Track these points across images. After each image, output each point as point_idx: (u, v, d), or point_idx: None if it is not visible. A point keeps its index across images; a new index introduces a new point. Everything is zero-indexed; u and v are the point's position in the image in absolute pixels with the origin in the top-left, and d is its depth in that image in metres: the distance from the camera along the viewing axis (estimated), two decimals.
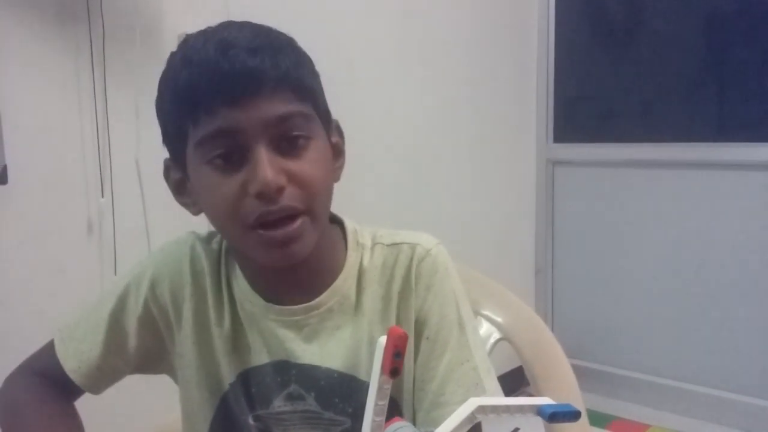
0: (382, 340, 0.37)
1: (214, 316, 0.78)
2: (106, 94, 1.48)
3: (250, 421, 0.78)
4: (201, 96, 0.66)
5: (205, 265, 0.79)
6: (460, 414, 0.40)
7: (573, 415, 0.41)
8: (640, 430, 2.42)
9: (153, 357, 0.81)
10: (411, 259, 0.77)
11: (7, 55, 1.33)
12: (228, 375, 0.78)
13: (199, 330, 0.78)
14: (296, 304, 0.76)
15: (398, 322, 0.78)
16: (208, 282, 0.79)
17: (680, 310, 2.55)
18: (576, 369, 1.00)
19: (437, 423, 0.44)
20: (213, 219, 0.72)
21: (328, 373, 0.76)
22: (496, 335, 1.13)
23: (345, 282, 0.77)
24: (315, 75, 0.73)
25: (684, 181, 2.52)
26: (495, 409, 0.41)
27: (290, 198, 0.67)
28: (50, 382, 0.80)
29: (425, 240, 0.79)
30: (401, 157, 2.19)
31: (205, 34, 0.69)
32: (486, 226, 2.57)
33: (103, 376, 0.80)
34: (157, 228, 1.56)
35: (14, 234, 1.36)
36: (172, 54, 0.71)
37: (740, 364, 2.42)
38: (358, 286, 0.77)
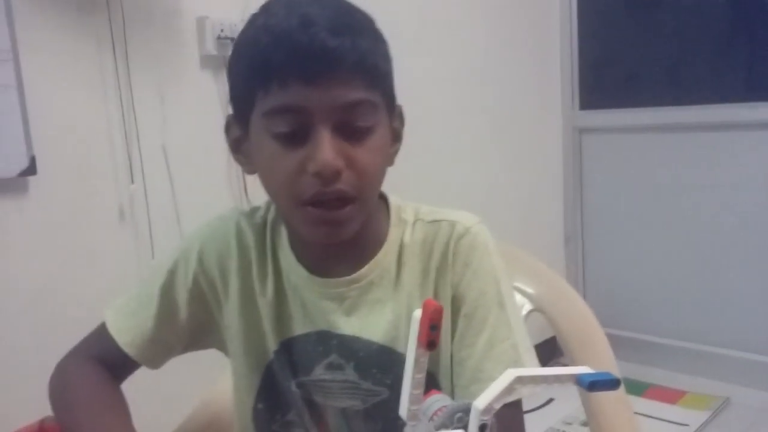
0: (417, 313, 0.37)
1: (259, 287, 0.80)
2: (130, 81, 1.49)
3: (293, 387, 0.80)
4: (277, 67, 0.66)
5: (250, 239, 0.81)
6: (499, 385, 0.40)
7: (613, 383, 0.41)
8: (676, 397, 2.41)
9: (203, 329, 0.84)
10: (450, 236, 0.77)
11: (31, 48, 1.34)
12: (272, 344, 0.80)
13: (245, 301, 0.80)
14: (339, 277, 0.77)
15: (435, 297, 0.78)
16: (253, 255, 0.81)
17: (713, 274, 2.52)
18: (609, 338, 0.99)
19: (476, 397, 0.44)
20: (267, 187, 0.74)
21: (368, 344, 0.77)
22: (528, 306, 1.12)
23: (386, 256, 0.78)
24: (388, 60, 0.73)
25: (713, 142, 2.46)
26: (533, 380, 0.41)
27: (345, 182, 0.68)
28: (101, 366, 0.82)
29: (465, 218, 0.79)
30: (426, 128, 2.17)
31: (289, 5, 0.69)
32: (514, 197, 2.55)
33: (157, 349, 0.82)
34: (188, 211, 1.58)
35: (46, 223, 1.39)
36: (254, 16, 0.71)
37: (754, 324, 2.39)
38: (399, 261, 0.78)
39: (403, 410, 0.39)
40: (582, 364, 0.97)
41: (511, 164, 2.55)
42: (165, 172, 1.56)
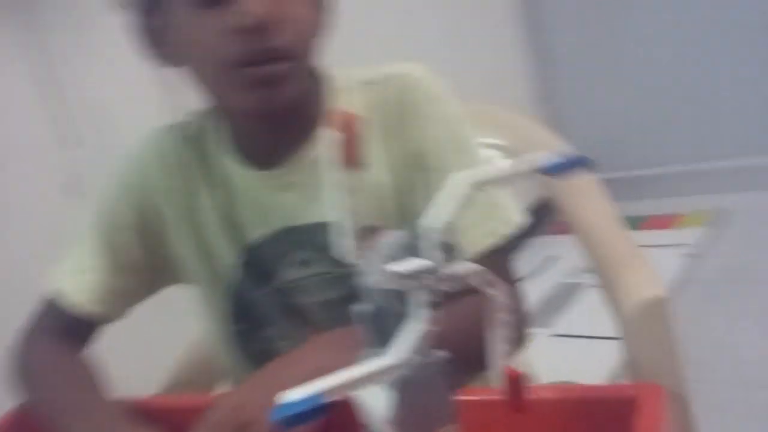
0: (327, 135, 0.30)
1: (202, 202, 0.75)
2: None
3: (268, 297, 0.75)
4: None
5: (179, 152, 0.75)
6: (453, 194, 0.34)
7: (583, 161, 0.35)
8: (673, 221, 2.41)
9: (156, 266, 0.78)
10: (397, 91, 0.71)
11: None
12: (230, 260, 0.75)
13: (190, 221, 0.75)
14: (285, 166, 0.71)
15: (392, 159, 0.72)
16: (187, 169, 0.75)
17: (687, 91, 2.47)
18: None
19: None
20: (195, 64, 0.68)
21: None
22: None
23: (329, 132, 0.70)
24: None
25: None
26: (492, 180, 0.34)
27: (277, 39, 0.63)
28: (59, 338, 0.76)
29: (410, 68, 0.73)
30: None
31: None
32: (474, 69, 2.43)
33: (117, 298, 0.77)
34: None
35: None
36: None
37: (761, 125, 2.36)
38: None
39: (341, 247, 0.32)
40: (574, 208, 0.93)
41: (468, 35, 2.41)
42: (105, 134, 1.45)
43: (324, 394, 0.33)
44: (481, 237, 0.67)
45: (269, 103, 0.66)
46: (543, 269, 2.33)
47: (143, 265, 0.77)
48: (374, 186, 0.71)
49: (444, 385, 0.38)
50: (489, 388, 0.44)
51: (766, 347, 1.63)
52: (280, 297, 0.74)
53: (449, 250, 0.35)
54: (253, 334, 0.77)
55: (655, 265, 2.36)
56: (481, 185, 0.34)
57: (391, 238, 0.35)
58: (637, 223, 2.47)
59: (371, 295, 0.37)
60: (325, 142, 0.68)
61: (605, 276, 0.80)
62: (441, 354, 0.38)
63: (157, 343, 1.16)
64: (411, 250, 0.34)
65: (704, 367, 1.64)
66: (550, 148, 1.01)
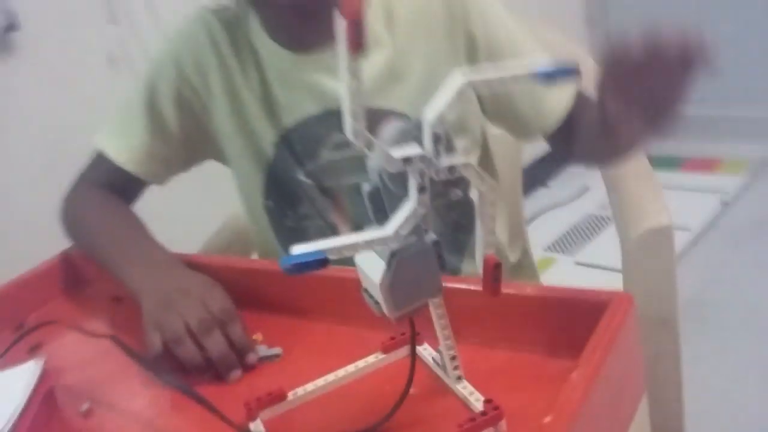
0: (340, 21, 0.34)
1: (243, 82, 0.79)
2: None
3: (302, 177, 0.79)
4: None
5: (222, 33, 0.79)
6: (448, 92, 0.38)
7: (571, 72, 0.38)
8: (713, 165, 2.38)
9: (197, 140, 0.83)
10: None
11: None
12: (269, 139, 0.79)
13: (232, 101, 0.79)
14: (323, 49, 0.74)
15: (439, 52, 0.76)
16: (229, 50, 0.79)
17: (741, 32, 2.36)
18: None
19: None
20: None
21: (371, 113, 0.74)
22: None
23: (370, 18, 0.74)
24: None
25: None
26: (486, 81, 0.38)
27: None
28: (106, 190, 0.83)
29: None
30: None
31: None
32: None
33: (156, 163, 0.83)
34: None
35: (38, 77, 1.36)
36: None
37: None
38: (388, 19, 0.76)
39: (348, 128, 0.37)
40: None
41: None
42: (150, 11, 1.49)
43: (326, 251, 0.39)
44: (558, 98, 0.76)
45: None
46: (575, 198, 2.35)
47: (184, 135, 0.82)
48: (405, 74, 0.75)
49: (433, 262, 0.44)
50: (472, 278, 0.49)
51: None
52: (313, 177, 0.79)
53: (442, 140, 0.39)
54: (284, 210, 0.83)
55: (688, 207, 2.35)
56: (476, 84, 0.38)
57: (394, 128, 0.39)
58: (677, 164, 2.44)
59: (374, 175, 0.42)
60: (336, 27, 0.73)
61: (616, 203, 0.84)
62: (432, 236, 0.43)
63: (198, 212, 1.24)
64: (414, 137, 0.39)
65: (716, 309, 1.68)
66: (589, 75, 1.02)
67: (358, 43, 0.33)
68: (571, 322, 0.50)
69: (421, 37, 0.76)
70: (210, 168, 0.89)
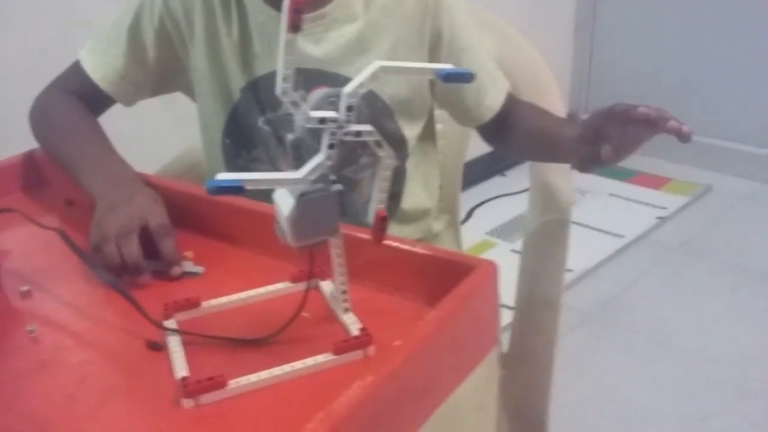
0: (286, 1, 0.43)
1: (224, 28, 0.85)
2: None
3: (260, 124, 0.87)
4: None
5: None
6: (364, 73, 0.47)
7: (466, 76, 0.47)
8: (661, 183, 2.51)
9: (170, 69, 0.90)
10: None
11: None
12: (238, 83, 0.87)
13: (210, 42, 0.86)
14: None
15: (405, 34, 0.85)
16: None
17: (713, 69, 2.49)
18: None
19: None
20: None
21: (334, 77, 0.83)
22: None
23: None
24: None
25: None
26: (397, 70, 0.47)
27: None
28: (77, 97, 0.90)
29: None
30: None
31: None
32: None
33: (127, 85, 0.89)
34: None
35: None
36: None
37: (761, 120, 2.42)
38: (366, 0, 0.84)
39: (278, 88, 0.45)
40: None
41: None
42: None
43: (244, 182, 0.48)
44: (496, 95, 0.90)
45: None
46: (527, 190, 2.46)
47: (160, 65, 0.89)
48: (371, 48, 0.84)
49: (334, 207, 0.53)
50: (365, 228, 0.58)
51: (693, 312, 1.80)
52: (272, 125, 0.86)
53: (354, 110, 0.48)
54: (241, 150, 0.90)
55: (626, 217, 2.48)
56: (387, 71, 0.47)
57: (319, 93, 0.48)
58: (627, 175, 2.57)
59: (298, 129, 0.51)
60: (341, 6, 0.82)
61: (531, 194, 0.94)
62: (338, 186, 0.53)
63: (160, 137, 1.30)
64: (332, 104, 0.48)
65: (628, 314, 1.83)
66: (531, 61, 1.12)
67: (295, 25, 0.41)
68: (446, 278, 0.59)
69: (393, 18, 0.84)
70: (181, 97, 0.96)
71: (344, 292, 0.60)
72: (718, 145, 2.53)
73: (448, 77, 0.47)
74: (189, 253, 0.74)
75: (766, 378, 1.54)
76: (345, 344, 0.54)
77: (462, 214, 2.36)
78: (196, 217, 0.77)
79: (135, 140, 1.32)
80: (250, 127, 0.88)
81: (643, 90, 2.73)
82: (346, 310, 0.60)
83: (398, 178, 0.92)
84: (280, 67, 0.44)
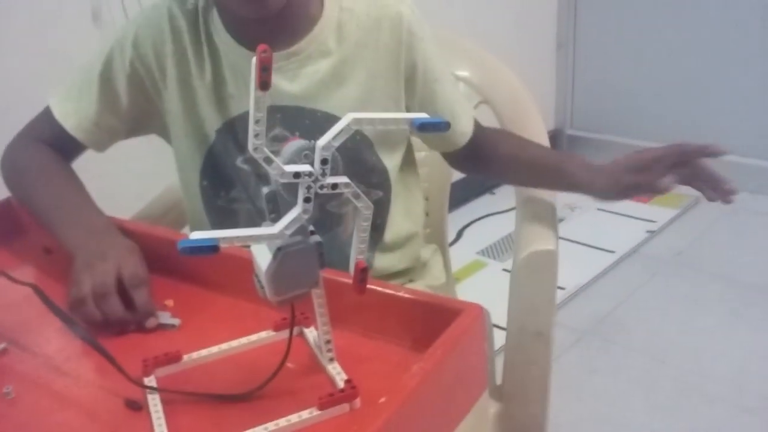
0: (254, 59, 0.42)
1: (196, 71, 0.85)
2: None
3: (239, 163, 0.87)
4: None
5: (182, 23, 0.84)
6: (338, 126, 0.46)
7: (441, 125, 0.46)
8: (649, 196, 2.51)
9: (144, 114, 0.89)
10: (400, 15, 0.84)
11: None
12: (213, 125, 0.86)
13: (183, 84, 0.85)
14: (277, 51, 0.81)
15: (380, 66, 0.85)
16: (187, 39, 0.84)
17: (698, 82, 2.51)
18: (593, 141, 1.03)
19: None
20: None
21: (312, 113, 0.83)
22: (474, 99, 1.16)
23: (323, 31, 0.83)
24: None
25: None
26: (371, 122, 0.46)
27: None
28: (49, 146, 0.88)
29: (399, 5, 0.85)
30: None
31: None
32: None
33: (101, 132, 0.89)
34: None
35: (19, 30, 1.39)
36: None
37: (748, 129, 2.44)
38: (338, 34, 0.84)
39: (250, 144, 0.44)
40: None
41: None
42: None
43: (219, 239, 0.46)
44: (468, 121, 0.92)
45: (259, 13, 0.76)
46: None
47: (133, 110, 0.88)
48: (347, 81, 0.85)
49: (314, 259, 0.52)
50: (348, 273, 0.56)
51: (687, 327, 1.79)
52: (251, 164, 0.86)
53: (329, 162, 0.47)
54: (219, 192, 0.90)
55: (616, 232, 2.49)
56: (360, 123, 0.45)
57: (293, 146, 0.47)
58: None
59: (272, 182, 0.50)
60: (314, 42, 0.82)
61: (517, 225, 0.93)
62: (317, 238, 0.51)
63: (143, 175, 1.29)
64: (304, 156, 0.47)
65: (621, 329, 1.81)
66: (510, 86, 1.12)
67: (264, 83, 0.40)
68: (431, 323, 0.58)
69: (367, 50, 0.84)
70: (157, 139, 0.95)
71: (328, 341, 0.58)
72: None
73: (423, 127, 0.46)
74: (169, 302, 0.72)
75: (763, 393, 1.53)
76: (330, 399, 0.53)
77: (452, 235, 2.37)
78: (175, 263, 0.75)
79: (118, 178, 1.32)
80: (227, 168, 0.87)
81: (625, 105, 2.75)
82: (331, 359, 0.59)
83: (381, 210, 0.91)
84: (252, 125, 0.43)
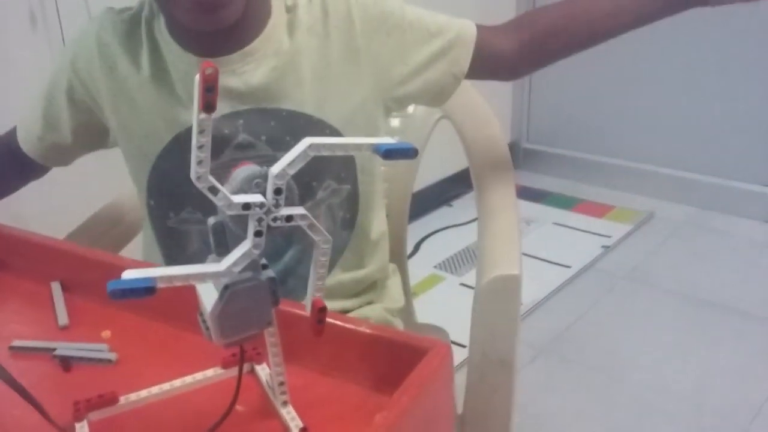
0: (197, 77, 0.37)
1: (142, 80, 0.79)
2: None
3: (186, 181, 0.80)
4: None
5: (111, 36, 0.81)
6: (294, 152, 0.41)
7: (408, 152, 0.42)
8: (604, 211, 2.53)
9: (92, 131, 0.87)
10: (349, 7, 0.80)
11: None
12: (162, 138, 0.80)
13: (127, 97, 0.80)
14: (230, 54, 0.77)
15: (331, 52, 0.80)
16: (118, 51, 0.80)
17: (649, 98, 2.55)
18: (549, 156, 1.00)
19: None
20: None
21: (276, 113, 0.78)
22: (437, 114, 1.13)
23: (275, 29, 0.79)
24: None
25: None
26: (330, 147, 0.42)
27: None
28: (11, 156, 0.91)
29: None
30: None
31: None
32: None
33: (47, 148, 0.89)
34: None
35: None
36: None
37: (700, 146, 2.48)
38: (290, 28, 0.79)
39: (193, 173, 0.39)
40: (484, 171, 1.01)
41: None
42: None
43: (156, 279, 0.41)
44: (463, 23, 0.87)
45: (213, 26, 0.73)
46: (473, 221, 2.45)
47: (77, 129, 0.86)
48: (299, 75, 0.79)
49: (265, 297, 0.47)
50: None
51: (643, 343, 1.79)
52: (214, 174, 0.80)
53: (283, 192, 0.42)
54: (167, 212, 0.84)
55: (572, 247, 2.48)
56: (318, 149, 0.41)
57: (242, 173, 0.42)
58: (572, 204, 2.58)
59: (220, 213, 0.45)
60: (269, 40, 0.78)
61: (479, 249, 0.90)
62: (269, 273, 0.47)
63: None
64: (255, 185, 0.42)
65: (578, 346, 1.80)
66: (477, 108, 1.09)
67: (209, 105, 0.36)
68: (394, 362, 0.54)
69: (317, 38, 0.79)
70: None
71: (281, 383, 0.53)
72: (657, 171, 2.57)
73: (389, 153, 0.41)
74: (106, 333, 0.66)
75: (719, 411, 1.54)
76: None
77: (409, 248, 2.33)
78: None
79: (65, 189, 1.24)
80: (177, 186, 0.81)
81: (580, 121, 2.78)
82: (285, 403, 0.54)
83: (351, 204, 0.86)
84: (194, 151, 0.38)
